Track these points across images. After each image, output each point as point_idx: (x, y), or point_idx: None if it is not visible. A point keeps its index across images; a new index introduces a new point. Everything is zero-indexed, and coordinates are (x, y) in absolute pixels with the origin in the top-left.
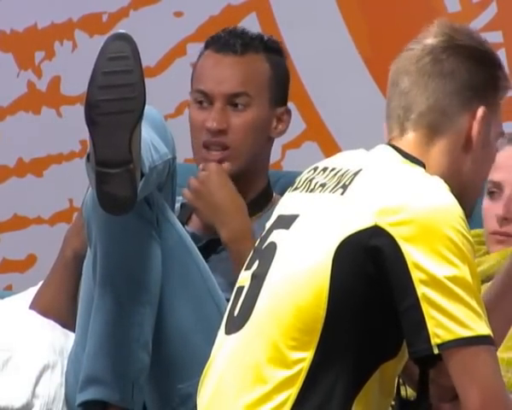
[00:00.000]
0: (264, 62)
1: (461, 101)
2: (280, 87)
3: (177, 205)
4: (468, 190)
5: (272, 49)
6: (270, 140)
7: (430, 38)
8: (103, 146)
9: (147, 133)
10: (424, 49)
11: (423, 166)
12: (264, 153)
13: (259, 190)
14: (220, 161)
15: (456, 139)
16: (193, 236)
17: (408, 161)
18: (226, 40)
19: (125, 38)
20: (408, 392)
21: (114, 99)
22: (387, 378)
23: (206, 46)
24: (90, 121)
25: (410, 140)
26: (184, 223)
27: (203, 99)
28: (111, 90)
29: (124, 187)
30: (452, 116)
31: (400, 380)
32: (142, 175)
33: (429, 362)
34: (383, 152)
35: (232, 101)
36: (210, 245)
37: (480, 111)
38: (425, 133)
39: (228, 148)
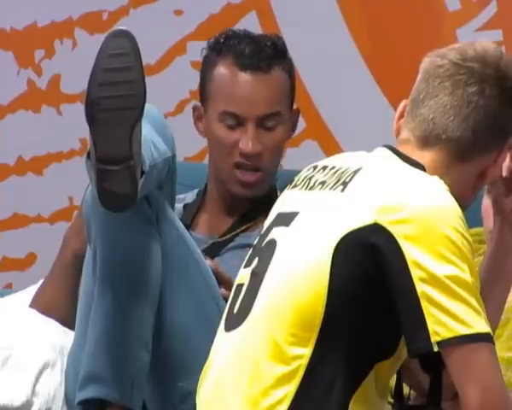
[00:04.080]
0: (284, 73)
1: (493, 139)
2: (293, 91)
3: (180, 205)
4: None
5: (284, 52)
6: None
7: (481, 64)
8: (104, 143)
9: (147, 131)
10: (473, 74)
11: (423, 169)
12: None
13: (267, 189)
14: (254, 184)
15: (475, 169)
16: (196, 238)
17: (407, 164)
18: (249, 56)
19: (125, 35)
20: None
21: (115, 96)
22: (383, 378)
23: (219, 53)
24: (91, 118)
25: (428, 156)
26: (188, 225)
27: (234, 120)
28: (111, 87)
29: (124, 184)
30: (481, 150)
31: (404, 384)
32: (143, 173)
33: (430, 362)
34: (383, 153)
35: (264, 121)
36: (214, 247)
37: (503, 156)
38: (449, 156)
39: (260, 170)
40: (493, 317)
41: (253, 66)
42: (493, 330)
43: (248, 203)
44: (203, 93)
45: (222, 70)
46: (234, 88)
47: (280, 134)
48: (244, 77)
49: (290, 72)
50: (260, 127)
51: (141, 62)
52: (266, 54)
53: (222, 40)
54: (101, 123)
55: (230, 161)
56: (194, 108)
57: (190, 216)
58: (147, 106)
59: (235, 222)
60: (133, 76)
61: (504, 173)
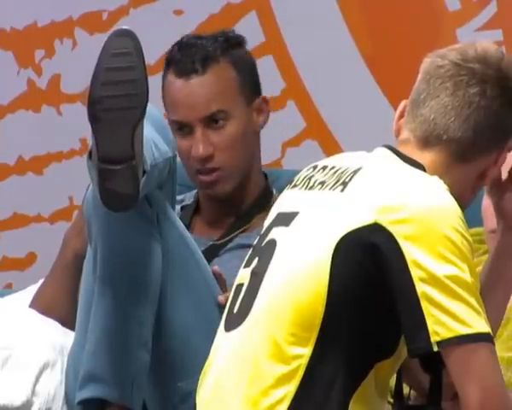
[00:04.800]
0: (228, 68)
1: (494, 140)
2: (250, 82)
3: (178, 207)
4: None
5: (229, 47)
6: (257, 134)
7: (482, 65)
8: (106, 142)
9: (148, 131)
10: (474, 75)
11: (423, 169)
12: (254, 151)
13: (259, 189)
14: (214, 183)
15: (475, 170)
16: (195, 240)
17: (407, 164)
18: (184, 61)
19: (128, 35)
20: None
21: (117, 95)
22: (383, 378)
23: (167, 65)
24: (93, 117)
25: (428, 156)
26: (186, 226)
27: (181, 128)
28: (114, 87)
29: (126, 184)
30: (482, 150)
31: (404, 384)
32: (144, 173)
33: (430, 362)
34: (383, 153)
35: (210, 121)
36: (212, 249)
37: (503, 158)
38: (449, 156)
39: (218, 169)
40: (495, 317)
41: (187, 70)
42: (495, 330)
43: (239, 206)
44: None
45: (166, 81)
46: (174, 96)
47: (231, 130)
48: (180, 83)
49: (239, 65)
50: (208, 128)
51: (144, 62)
52: (200, 55)
53: (168, 53)
54: (103, 122)
55: (192, 169)
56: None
57: (188, 218)
58: (148, 106)
59: (233, 224)
60: (136, 75)
61: (504, 176)
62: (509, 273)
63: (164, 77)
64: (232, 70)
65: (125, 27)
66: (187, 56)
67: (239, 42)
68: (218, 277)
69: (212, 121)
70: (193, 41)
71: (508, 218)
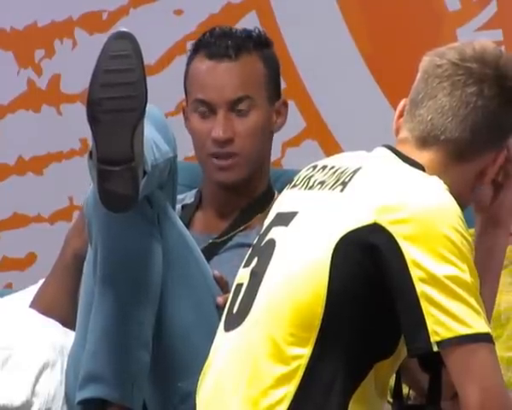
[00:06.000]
0: (258, 62)
1: (492, 140)
2: (275, 82)
3: (179, 206)
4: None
5: (261, 43)
6: (271, 135)
7: (479, 64)
8: (105, 144)
9: (149, 132)
10: (472, 74)
11: (422, 169)
12: (267, 150)
13: (262, 188)
14: (229, 168)
15: (474, 169)
16: (195, 237)
17: (407, 164)
18: (218, 45)
19: (127, 37)
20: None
21: (116, 97)
22: (382, 378)
23: (196, 50)
24: (92, 119)
25: (426, 156)
26: (186, 225)
27: (205, 108)
28: (113, 89)
29: (126, 185)
30: (480, 150)
31: (403, 384)
32: (145, 173)
33: (430, 362)
34: (382, 153)
35: (235, 107)
36: (212, 248)
37: (502, 157)
38: (447, 156)
39: (236, 155)
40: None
41: (221, 54)
42: (488, 317)
43: (243, 201)
44: (185, 91)
45: (195, 64)
46: (202, 76)
47: (254, 119)
48: (212, 64)
49: (268, 63)
50: (232, 113)
51: (142, 64)
52: (235, 43)
53: (199, 39)
54: (102, 124)
55: (206, 152)
56: (183, 108)
57: (188, 216)
58: (148, 106)
59: (233, 222)
60: (135, 77)
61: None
62: (495, 265)
63: (190, 60)
64: (262, 65)
65: (123, 29)
66: (221, 41)
67: (269, 43)
68: (219, 280)
69: (236, 107)
70: (226, 30)
71: (481, 209)
